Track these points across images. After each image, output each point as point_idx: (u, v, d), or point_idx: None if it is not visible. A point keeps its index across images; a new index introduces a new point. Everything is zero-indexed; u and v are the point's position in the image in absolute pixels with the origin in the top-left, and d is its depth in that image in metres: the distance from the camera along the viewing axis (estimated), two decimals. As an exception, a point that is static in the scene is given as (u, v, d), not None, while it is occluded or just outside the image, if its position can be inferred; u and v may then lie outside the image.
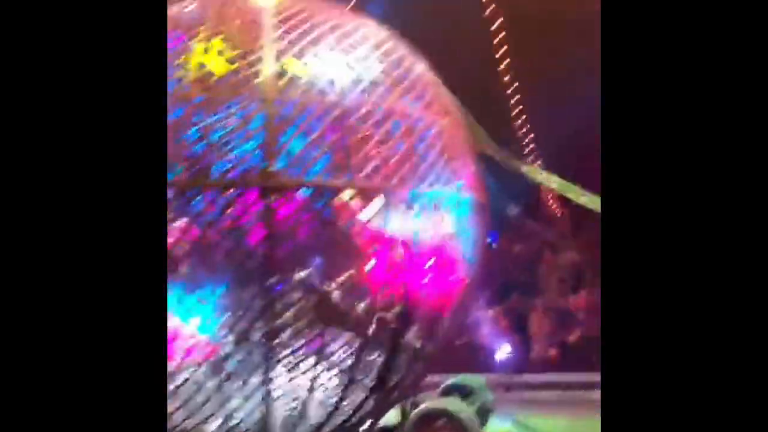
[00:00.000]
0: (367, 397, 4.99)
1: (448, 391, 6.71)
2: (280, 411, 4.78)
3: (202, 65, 4.56)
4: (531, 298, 12.52)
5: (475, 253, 5.36)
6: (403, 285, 4.82)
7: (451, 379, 6.86)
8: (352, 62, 4.83)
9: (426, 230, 4.85)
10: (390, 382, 5.05)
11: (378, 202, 4.70)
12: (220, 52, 4.62)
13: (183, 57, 4.65)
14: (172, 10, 4.98)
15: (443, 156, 5.06)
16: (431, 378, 6.53)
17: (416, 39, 5.48)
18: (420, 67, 5.33)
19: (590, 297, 11.72)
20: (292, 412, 4.79)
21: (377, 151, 4.75)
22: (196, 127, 5.19)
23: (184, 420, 4.68)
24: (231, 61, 4.60)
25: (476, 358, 10.23)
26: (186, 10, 5.00)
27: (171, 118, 4.93)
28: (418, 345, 5.09)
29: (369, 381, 4.99)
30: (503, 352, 10.87)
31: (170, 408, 4.69)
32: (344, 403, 4.91)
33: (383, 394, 5.02)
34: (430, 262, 4.96)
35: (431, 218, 4.89)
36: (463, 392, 6.66)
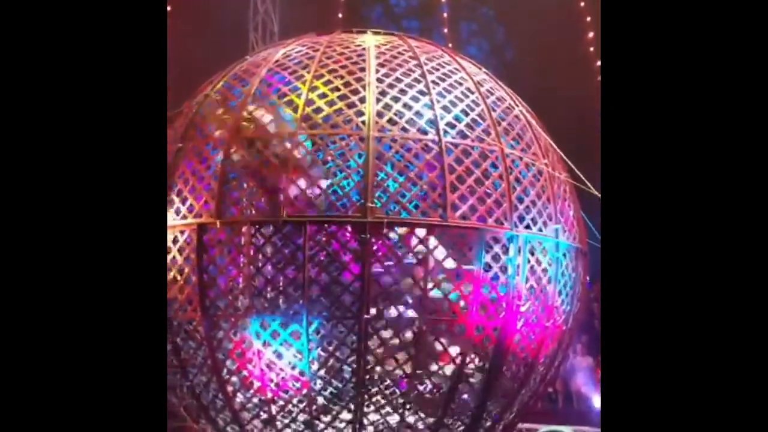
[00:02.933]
0: (456, 442, 4.89)
1: (540, 441, 6.47)
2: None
3: (306, 105, 4.71)
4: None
5: (572, 299, 5.19)
6: (496, 328, 4.72)
7: (543, 429, 6.61)
8: (450, 102, 4.87)
9: (521, 273, 4.75)
10: (480, 428, 4.92)
11: (473, 242, 4.66)
12: (323, 93, 4.78)
13: (288, 97, 4.83)
14: (278, 54, 5.22)
15: (541, 198, 4.98)
16: (523, 426, 6.31)
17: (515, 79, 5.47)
18: (519, 109, 5.30)
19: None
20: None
21: (474, 190, 4.73)
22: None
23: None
24: (333, 102, 4.74)
25: (571, 409, 9.83)
26: (291, 53, 5.22)
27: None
28: (511, 390, 4.95)
29: (458, 426, 4.88)
30: (599, 402, 10.39)
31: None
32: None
33: (473, 439, 4.89)
34: (526, 307, 4.84)
35: (527, 262, 4.79)
36: (556, 443, 6.40)
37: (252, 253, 4.70)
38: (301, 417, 4.70)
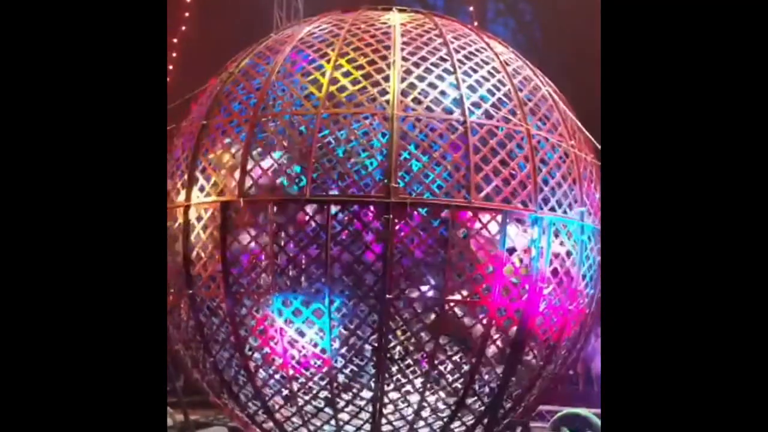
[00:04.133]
0: (476, 422, 4.89)
1: (560, 423, 6.45)
2: (388, 427, 4.77)
3: (330, 83, 4.68)
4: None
5: (596, 282, 5.15)
6: (519, 310, 4.70)
7: (564, 410, 6.59)
8: (476, 82, 4.80)
9: (545, 256, 4.71)
10: (501, 408, 4.92)
11: (497, 223, 4.62)
12: (347, 72, 4.74)
13: (313, 75, 4.80)
14: (303, 31, 5.19)
15: (567, 180, 4.92)
16: (543, 408, 6.31)
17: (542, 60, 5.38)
18: (545, 88, 5.22)
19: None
20: (400, 430, 4.78)
21: (498, 171, 4.69)
22: (320, 144, 5.37)
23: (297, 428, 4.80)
24: (357, 80, 4.71)
25: (591, 391, 9.80)
26: (316, 30, 5.18)
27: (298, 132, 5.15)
28: (533, 371, 4.94)
29: (479, 406, 4.89)
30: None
31: (285, 413, 4.82)
32: (452, 426, 4.84)
33: (493, 420, 4.89)
34: (549, 289, 4.81)
35: (551, 244, 4.75)
36: (575, 425, 6.37)
37: (275, 231, 4.71)
38: (322, 394, 4.73)
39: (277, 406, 4.85)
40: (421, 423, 4.81)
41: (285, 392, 4.76)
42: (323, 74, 4.74)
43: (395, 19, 5.18)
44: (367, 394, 4.76)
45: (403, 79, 4.67)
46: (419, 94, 4.68)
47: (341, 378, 5.06)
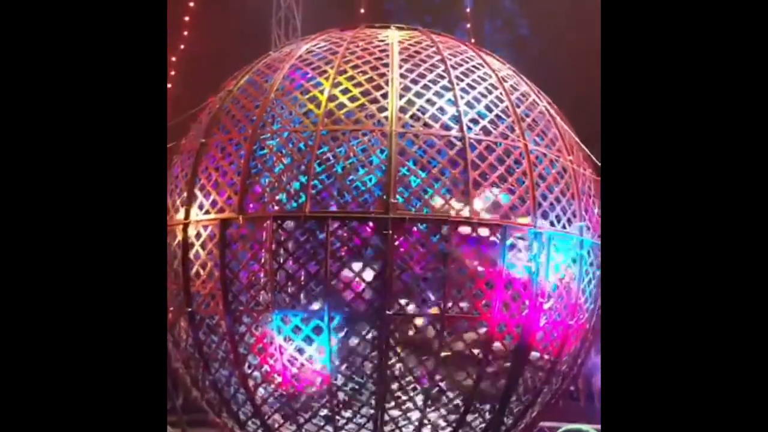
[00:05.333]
0: (477, 440, 4.87)
1: (561, 440, 6.42)
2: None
3: (329, 100, 4.71)
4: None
5: (596, 297, 5.14)
6: (519, 325, 4.69)
7: (565, 426, 6.56)
8: (474, 98, 4.83)
9: (545, 271, 4.71)
10: (502, 425, 4.89)
11: (496, 239, 4.62)
12: (346, 89, 4.77)
13: (311, 93, 4.83)
14: (302, 49, 5.22)
15: (565, 195, 4.93)
16: (544, 424, 6.27)
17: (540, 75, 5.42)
18: (543, 104, 5.25)
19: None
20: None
21: (497, 187, 4.70)
22: (319, 160, 5.39)
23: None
24: (356, 97, 4.73)
25: (592, 407, 9.75)
26: (314, 48, 5.21)
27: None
28: (533, 388, 4.92)
29: (480, 422, 4.86)
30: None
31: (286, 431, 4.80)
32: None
33: (494, 437, 4.87)
34: (548, 304, 4.80)
35: (551, 259, 4.75)
36: (577, 442, 6.34)
37: (274, 248, 4.71)
38: (323, 412, 4.71)
39: (276, 425, 4.82)
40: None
41: (284, 410, 4.74)
42: (322, 92, 4.76)
43: (393, 36, 5.22)
44: (367, 411, 4.74)
45: (401, 96, 4.70)
46: (417, 110, 4.70)
47: (341, 395, 5.03)
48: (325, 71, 4.90)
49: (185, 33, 11.24)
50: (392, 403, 4.86)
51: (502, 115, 4.88)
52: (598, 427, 7.08)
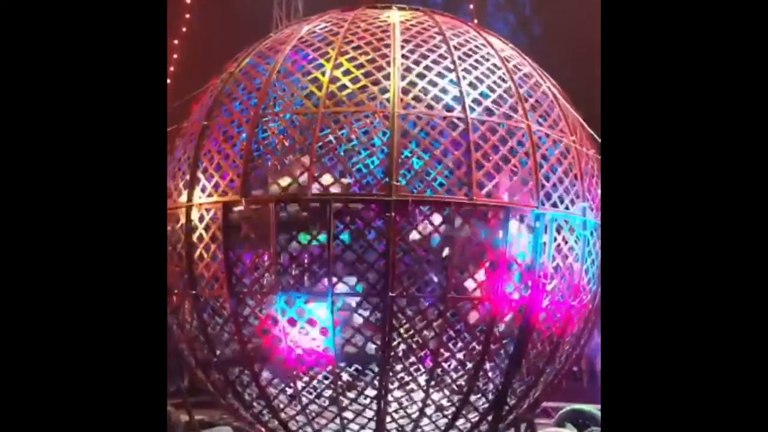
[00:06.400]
0: (480, 419, 4.89)
1: (564, 419, 6.46)
2: (393, 425, 4.77)
3: (330, 82, 4.68)
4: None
5: (598, 278, 5.14)
6: (522, 306, 4.69)
7: (568, 407, 6.60)
8: (476, 79, 4.80)
9: (548, 252, 4.71)
10: (505, 405, 4.92)
11: (499, 220, 4.61)
12: (347, 70, 4.74)
13: (313, 74, 4.80)
14: (303, 30, 5.18)
15: (568, 175, 4.91)
16: (547, 404, 6.31)
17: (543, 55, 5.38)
18: (546, 85, 5.21)
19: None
20: (405, 427, 4.78)
21: (500, 168, 4.68)
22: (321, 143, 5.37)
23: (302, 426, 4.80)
24: (358, 78, 4.70)
25: (595, 388, 9.80)
26: (316, 29, 5.18)
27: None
28: (536, 368, 4.94)
29: (483, 402, 4.89)
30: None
31: (290, 412, 4.83)
32: (457, 423, 4.84)
33: (498, 416, 4.89)
34: (552, 285, 4.80)
35: (554, 240, 4.74)
36: (580, 421, 6.38)
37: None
38: (326, 393, 4.73)
39: (281, 405, 4.85)
40: (426, 421, 4.81)
41: (289, 391, 4.77)
42: (323, 73, 4.74)
43: (395, 17, 5.18)
44: (371, 392, 4.76)
45: (403, 77, 4.67)
46: (420, 91, 4.67)
47: (345, 377, 5.06)
48: (326, 52, 4.86)
49: (187, 15, 11.18)
50: (395, 384, 4.89)
51: (505, 96, 4.85)
52: (600, 407, 7.10)
